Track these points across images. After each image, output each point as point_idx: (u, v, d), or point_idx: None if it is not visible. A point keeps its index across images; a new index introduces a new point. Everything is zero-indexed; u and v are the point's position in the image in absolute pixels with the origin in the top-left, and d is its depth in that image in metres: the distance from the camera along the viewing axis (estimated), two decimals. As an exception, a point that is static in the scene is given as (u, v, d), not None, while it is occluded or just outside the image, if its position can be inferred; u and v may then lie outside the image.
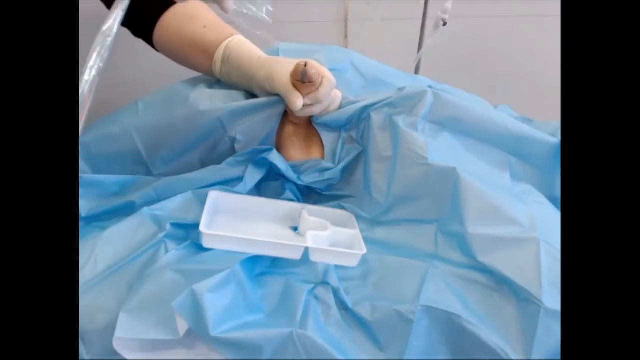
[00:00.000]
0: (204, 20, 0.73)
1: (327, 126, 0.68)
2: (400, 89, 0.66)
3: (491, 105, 0.79)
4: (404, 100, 0.65)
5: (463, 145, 0.64)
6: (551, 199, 0.61)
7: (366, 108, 0.66)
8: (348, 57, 0.77)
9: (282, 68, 0.65)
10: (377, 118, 0.65)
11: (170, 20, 0.74)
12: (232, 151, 0.67)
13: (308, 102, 0.64)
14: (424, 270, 0.53)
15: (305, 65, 0.61)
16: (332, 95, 0.66)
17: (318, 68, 0.63)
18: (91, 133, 0.70)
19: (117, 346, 0.47)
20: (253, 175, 0.65)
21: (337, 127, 0.68)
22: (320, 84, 0.63)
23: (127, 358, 0.48)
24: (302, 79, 0.62)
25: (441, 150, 0.61)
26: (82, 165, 0.68)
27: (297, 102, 0.63)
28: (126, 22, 0.78)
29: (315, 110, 0.65)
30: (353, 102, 0.68)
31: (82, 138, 0.69)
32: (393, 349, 0.49)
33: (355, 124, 0.67)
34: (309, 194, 0.69)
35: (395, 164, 0.62)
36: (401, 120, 0.63)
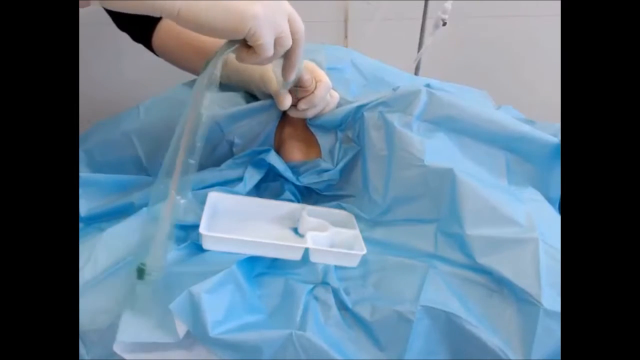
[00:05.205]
0: None
1: (323, 127, 0.68)
2: (395, 89, 0.66)
3: (494, 105, 0.78)
4: (397, 99, 0.64)
5: (458, 144, 0.63)
6: (547, 199, 0.61)
7: (360, 108, 0.66)
8: (348, 56, 0.77)
9: (276, 69, 0.65)
10: (371, 117, 0.65)
11: (168, 24, 0.74)
12: (231, 154, 0.67)
13: (304, 106, 0.64)
14: (423, 270, 0.53)
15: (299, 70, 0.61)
16: (327, 98, 0.66)
17: (313, 72, 0.63)
18: (94, 139, 0.69)
19: (117, 349, 0.47)
20: (252, 176, 0.65)
21: (333, 127, 0.68)
22: (315, 88, 0.63)
23: (127, 359, 0.48)
24: (295, 85, 0.62)
25: (437, 150, 0.61)
26: (86, 172, 0.68)
27: (284, 102, 0.63)
28: (125, 27, 0.78)
29: (308, 113, 0.65)
30: (349, 103, 0.67)
31: (86, 145, 0.69)
32: (393, 349, 0.49)
33: (350, 124, 0.67)
34: (308, 194, 0.69)
35: (391, 165, 0.62)
36: (396, 120, 0.63)
